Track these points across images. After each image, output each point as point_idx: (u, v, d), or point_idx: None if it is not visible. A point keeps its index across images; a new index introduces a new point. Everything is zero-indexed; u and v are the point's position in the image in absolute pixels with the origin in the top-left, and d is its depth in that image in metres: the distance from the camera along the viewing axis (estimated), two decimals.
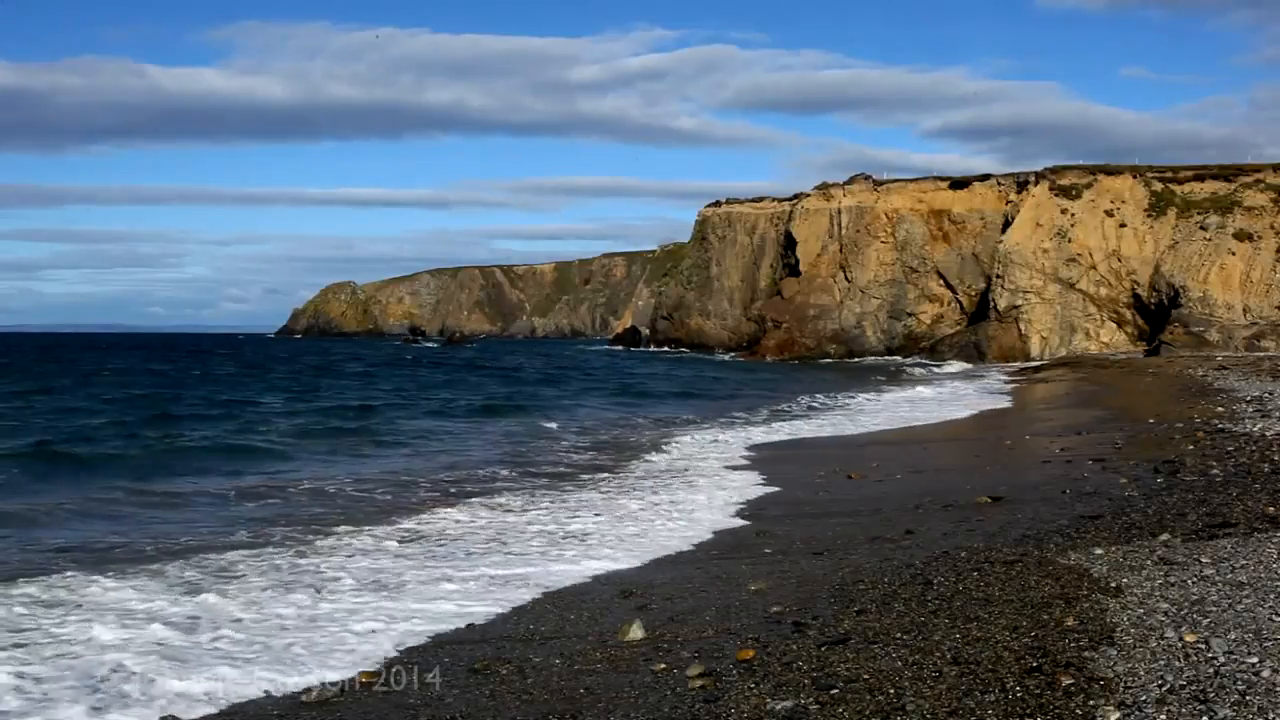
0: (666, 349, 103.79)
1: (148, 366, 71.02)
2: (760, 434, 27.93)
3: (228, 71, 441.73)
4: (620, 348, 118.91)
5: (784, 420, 31.96)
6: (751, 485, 18.48)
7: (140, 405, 35.44)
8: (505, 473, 20.43)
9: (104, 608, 10.13)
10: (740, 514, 15.72)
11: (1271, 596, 8.33)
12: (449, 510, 15.97)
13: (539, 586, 11.22)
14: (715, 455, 23.01)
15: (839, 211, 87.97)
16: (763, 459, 22.38)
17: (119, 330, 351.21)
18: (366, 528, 14.55)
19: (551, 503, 16.82)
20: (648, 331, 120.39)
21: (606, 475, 20.14)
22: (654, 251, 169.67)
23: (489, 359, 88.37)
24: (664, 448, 24.30)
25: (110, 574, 11.46)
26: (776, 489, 17.99)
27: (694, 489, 18.00)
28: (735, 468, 20.97)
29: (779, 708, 6.99)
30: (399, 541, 13.58)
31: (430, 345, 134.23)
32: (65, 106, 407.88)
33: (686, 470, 20.48)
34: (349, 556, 12.69)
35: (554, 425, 29.46)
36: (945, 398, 40.53)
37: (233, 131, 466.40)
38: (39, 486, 18.19)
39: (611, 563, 12.35)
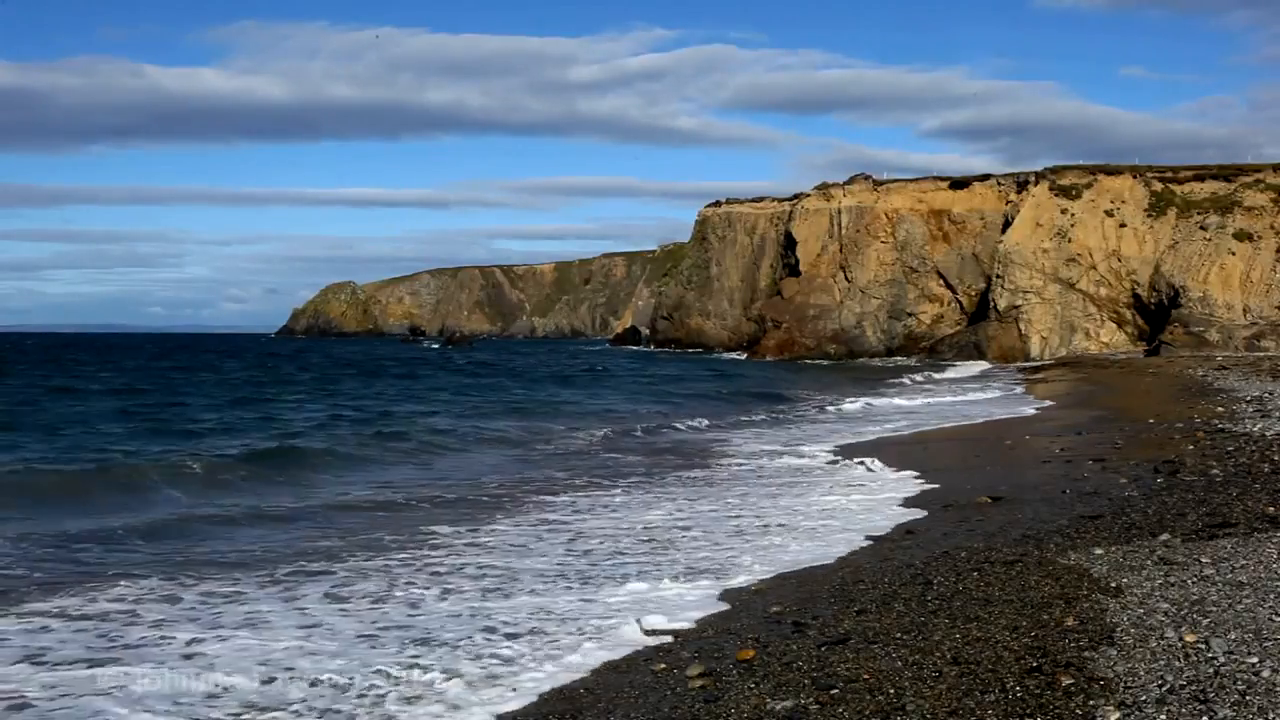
0: (666, 349, 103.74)
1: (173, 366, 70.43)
2: (811, 432, 27.92)
3: (227, 71, 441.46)
4: (623, 347, 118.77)
5: (836, 422, 31.43)
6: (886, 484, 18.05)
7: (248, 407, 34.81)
8: (576, 478, 19.74)
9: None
10: (910, 502, 15.77)
11: (1271, 596, 8.33)
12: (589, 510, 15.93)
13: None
14: (811, 453, 22.74)
15: (839, 211, 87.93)
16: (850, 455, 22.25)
17: (120, 330, 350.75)
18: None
19: (694, 501, 16.54)
20: (648, 331, 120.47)
21: (702, 474, 19.87)
22: (654, 251, 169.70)
23: (501, 360, 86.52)
24: (736, 449, 23.91)
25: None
26: (932, 485, 17.50)
27: (821, 488, 17.63)
28: (832, 462, 21.14)
29: (779, 708, 6.99)
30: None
31: (432, 346, 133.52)
32: (64, 106, 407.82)
33: (798, 469, 20.21)
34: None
35: (607, 430, 28.35)
36: (976, 403, 38.24)
37: (232, 131, 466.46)
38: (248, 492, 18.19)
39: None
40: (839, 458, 21.78)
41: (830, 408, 36.08)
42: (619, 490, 17.88)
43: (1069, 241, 74.45)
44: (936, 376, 57.16)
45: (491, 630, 9.34)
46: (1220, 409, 26.04)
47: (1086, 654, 7.38)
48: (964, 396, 41.16)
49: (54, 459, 20.95)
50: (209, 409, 34.54)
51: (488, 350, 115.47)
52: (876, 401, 38.35)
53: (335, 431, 27.53)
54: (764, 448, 23.99)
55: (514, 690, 7.85)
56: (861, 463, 20.49)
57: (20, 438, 24.98)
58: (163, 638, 9.23)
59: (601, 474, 20.02)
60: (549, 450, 24.36)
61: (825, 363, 77.09)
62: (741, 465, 21.15)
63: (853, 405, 36.96)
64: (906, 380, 53.24)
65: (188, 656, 8.72)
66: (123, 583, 11.13)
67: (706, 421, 30.94)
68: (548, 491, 17.81)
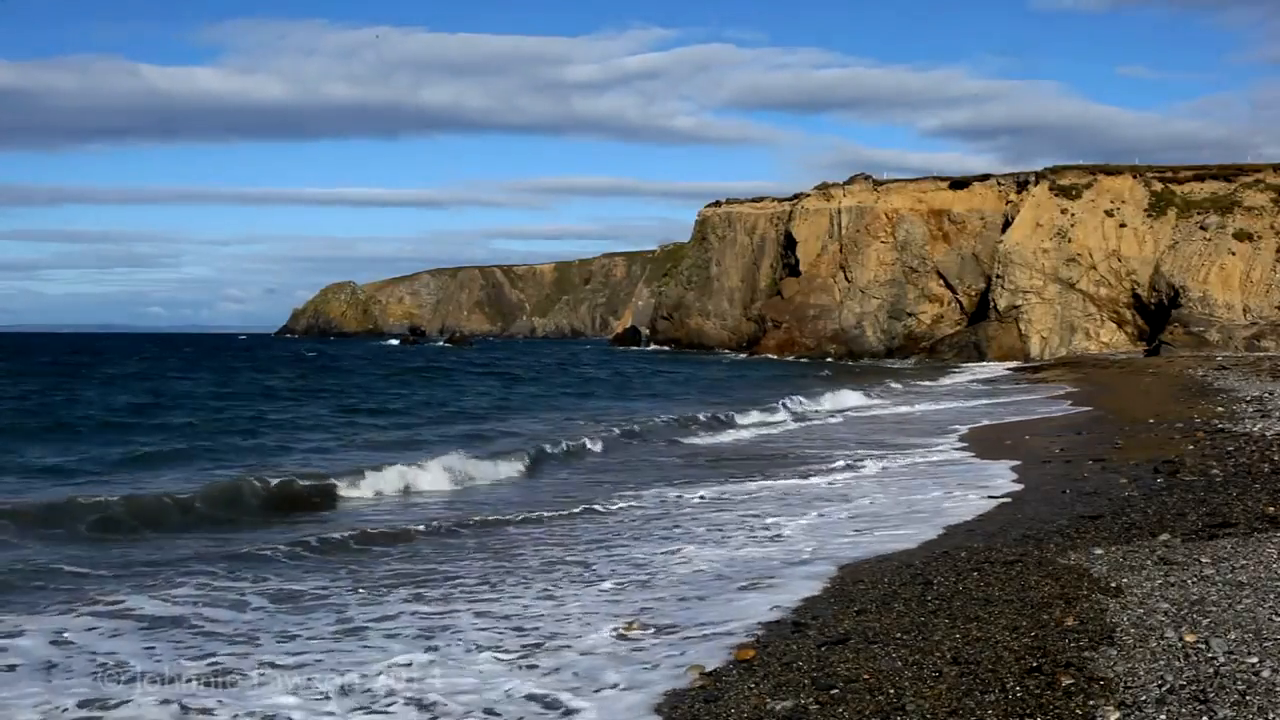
0: (666, 349, 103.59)
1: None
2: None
3: (223, 70, 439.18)
4: (626, 347, 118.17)
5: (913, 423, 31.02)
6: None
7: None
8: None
9: None
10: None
11: (1271, 596, 8.33)
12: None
13: None
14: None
15: (839, 211, 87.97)
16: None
17: (119, 331, 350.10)
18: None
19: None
20: (648, 331, 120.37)
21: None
22: (654, 251, 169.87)
23: (518, 361, 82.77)
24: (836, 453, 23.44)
25: None
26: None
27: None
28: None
29: (779, 708, 6.99)
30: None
31: (439, 345, 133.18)
32: (61, 106, 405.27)
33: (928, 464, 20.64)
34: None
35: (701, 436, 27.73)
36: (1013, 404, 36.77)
37: (230, 131, 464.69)
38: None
39: None
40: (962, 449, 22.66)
41: (891, 409, 35.83)
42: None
43: (1069, 241, 74.48)
44: (954, 379, 54.85)
45: None
46: (1220, 409, 26.04)
47: (1086, 654, 7.38)
48: (1007, 399, 39.83)
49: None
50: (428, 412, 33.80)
51: (493, 351, 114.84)
52: (935, 406, 37.30)
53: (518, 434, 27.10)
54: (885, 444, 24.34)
55: None
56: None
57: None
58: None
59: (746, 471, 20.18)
60: (645, 457, 23.59)
61: (829, 361, 76.89)
62: (883, 461, 21.09)
63: (913, 408, 36.36)
64: (928, 383, 51.75)
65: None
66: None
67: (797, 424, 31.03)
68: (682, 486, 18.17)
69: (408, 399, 39.71)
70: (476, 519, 15.07)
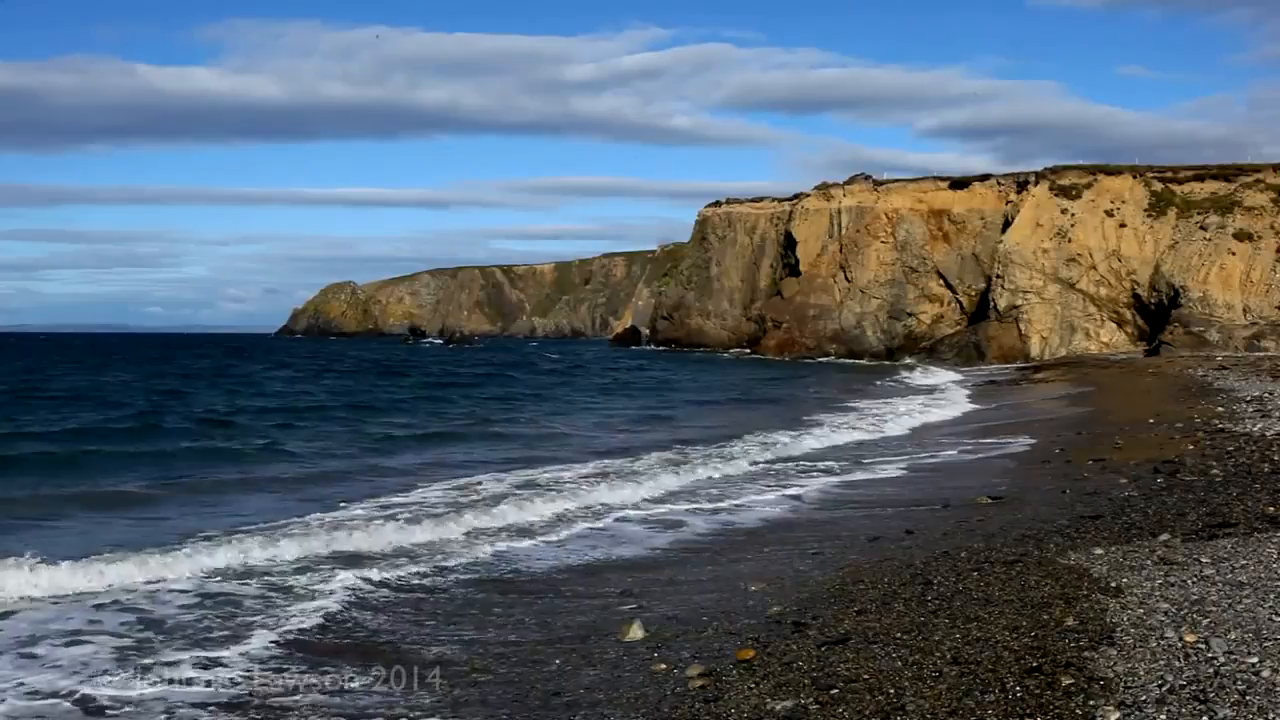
0: (666, 349, 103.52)
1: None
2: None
3: (220, 70, 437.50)
4: (626, 347, 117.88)
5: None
6: None
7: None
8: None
9: None
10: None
11: (1271, 596, 8.33)
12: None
13: None
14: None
15: (839, 211, 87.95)
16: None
17: (119, 331, 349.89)
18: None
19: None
20: (648, 331, 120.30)
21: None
22: (654, 251, 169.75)
23: (540, 364, 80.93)
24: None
25: None
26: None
27: None
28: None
29: (779, 708, 6.99)
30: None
31: (444, 345, 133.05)
32: (59, 106, 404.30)
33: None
34: None
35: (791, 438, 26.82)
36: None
37: (228, 131, 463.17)
38: None
39: None
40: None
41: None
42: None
43: (1069, 241, 74.43)
44: (952, 381, 52.95)
45: None
46: (1220, 409, 26.03)
47: (1086, 654, 7.38)
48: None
49: None
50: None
51: (498, 351, 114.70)
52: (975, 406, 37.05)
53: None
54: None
55: None
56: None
57: None
58: None
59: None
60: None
61: (841, 361, 76.84)
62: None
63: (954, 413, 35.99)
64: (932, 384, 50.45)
65: None
66: None
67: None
68: None
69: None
70: None
